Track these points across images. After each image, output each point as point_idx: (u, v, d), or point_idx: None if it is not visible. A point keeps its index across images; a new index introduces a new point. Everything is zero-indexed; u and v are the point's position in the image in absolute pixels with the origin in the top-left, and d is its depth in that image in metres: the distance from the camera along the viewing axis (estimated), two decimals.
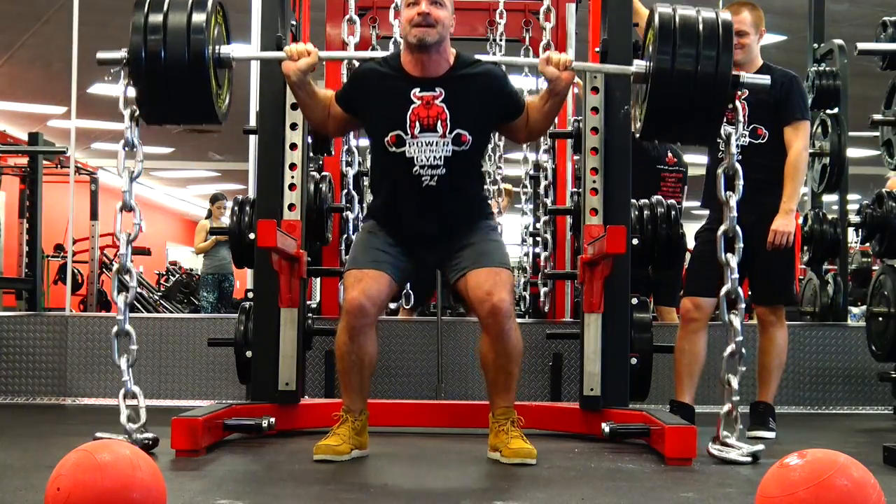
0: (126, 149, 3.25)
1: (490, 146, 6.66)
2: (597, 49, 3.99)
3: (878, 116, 4.49)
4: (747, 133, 3.92)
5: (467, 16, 5.97)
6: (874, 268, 5.71)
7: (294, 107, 3.81)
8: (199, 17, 3.16)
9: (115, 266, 3.23)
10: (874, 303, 4.73)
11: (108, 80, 3.27)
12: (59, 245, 10.59)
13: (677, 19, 3.12)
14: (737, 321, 3.22)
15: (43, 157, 6.78)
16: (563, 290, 5.56)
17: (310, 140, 4.06)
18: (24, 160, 7.22)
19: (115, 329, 3.18)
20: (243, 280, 6.25)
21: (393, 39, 4.82)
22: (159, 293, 11.56)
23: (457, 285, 3.28)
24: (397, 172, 3.28)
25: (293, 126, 3.80)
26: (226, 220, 8.00)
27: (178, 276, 12.31)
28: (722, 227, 3.27)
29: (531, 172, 6.49)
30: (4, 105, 12.46)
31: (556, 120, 5.63)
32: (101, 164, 11.99)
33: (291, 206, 3.78)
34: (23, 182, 7.12)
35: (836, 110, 5.47)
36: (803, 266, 5.75)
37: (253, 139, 5.26)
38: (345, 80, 4.53)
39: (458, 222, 3.31)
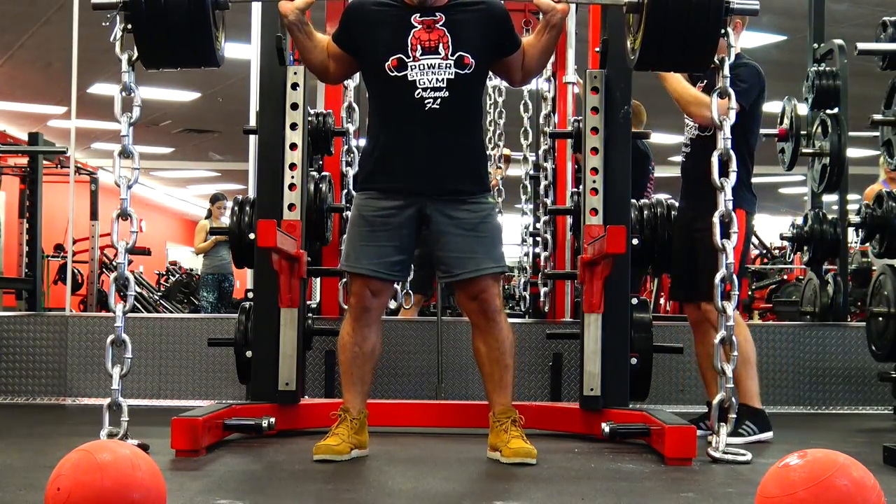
0: (123, 94, 3.20)
1: (491, 132, 6.63)
2: (597, 49, 4.00)
3: (878, 116, 4.48)
4: (696, 126, 3.92)
5: None
6: (874, 268, 5.70)
7: (294, 107, 3.82)
8: None
9: (113, 275, 3.22)
10: (874, 303, 4.73)
11: (105, 25, 3.19)
12: (59, 245, 10.59)
13: None
14: (730, 307, 3.22)
15: (43, 157, 6.78)
16: (563, 290, 5.56)
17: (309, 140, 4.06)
18: (24, 160, 7.21)
19: (110, 337, 3.17)
20: (243, 280, 6.26)
21: None
22: (159, 293, 11.56)
23: (447, 281, 3.31)
24: (398, 99, 3.22)
25: (293, 126, 3.80)
26: (226, 220, 7.99)
27: (178, 276, 12.32)
28: (717, 214, 3.28)
29: (531, 172, 6.49)
30: (4, 105, 12.46)
31: (557, 120, 5.67)
32: (101, 164, 11.99)
33: (291, 206, 3.78)
34: (23, 182, 7.12)
35: (836, 110, 5.46)
36: (803, 266, 5.75)
37: (253, 139, 5.26)
38: None
39: (460, 164, 3.23)
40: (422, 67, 3.18)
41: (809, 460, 1.84)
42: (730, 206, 3.27)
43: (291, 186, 3.79)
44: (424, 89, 3.18)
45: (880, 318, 4.64)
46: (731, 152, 3.28)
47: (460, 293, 3.29)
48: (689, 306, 4.05)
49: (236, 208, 4.21)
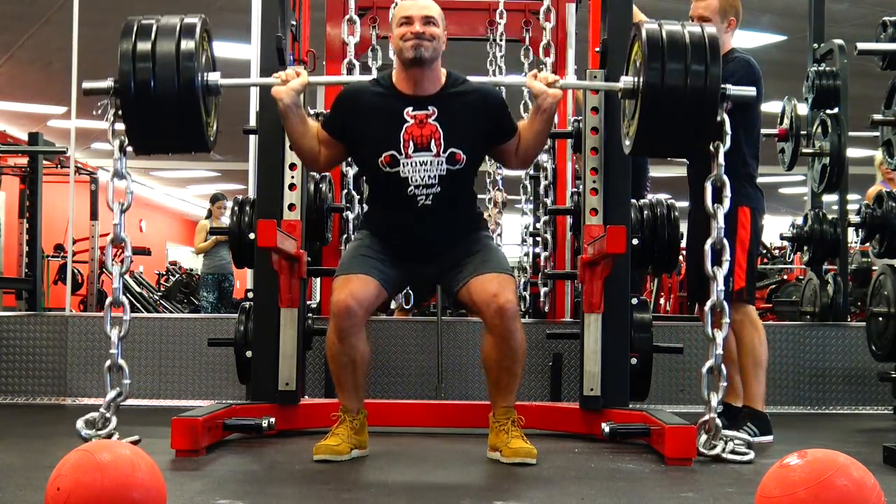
0: (116, 179, 3.23)
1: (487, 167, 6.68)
2: (597, 49, 4.00)
3: (878, 116, 4.48)
4: None
5: (467, 16, 5.97)
6: (874, 268, 5.70)
7: None
8: (188, 45, 3.09)
9: (108, 300, 3.21)
10: (874, 303, 4.73)
11: (97, 113, 3.21)
12: (59, 245, 10.59)
13: (664, 35, 3.11)
14: (719, 336, 3.22)
15: (43, 157, 6.78)
16: (563, 290, 5.56)
17: None
18: (24, 160, 7.21)
19: (107, 363, 3.17)
20: (243, 280, 6.25)
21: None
22: (159, 293, 11.57)
23: (459, 294, 3.27)
24: (391, 193, 3.26)
25: None
26: (226, 220, 7.99)
27: (178, 276, 12.32)
28: (709, 241, 3.26)
29: (531, 172, 6.49)
30: (4, 105, 12.47)
31: (557, 120, 5.66)
32: (101, 164, 11.99)
33: (291, 206, 3.78)
34: (23, 182, 7.12)
35: (836, 110, 5.46)
36: (803, 266, 5.74)
37: (253, 139, 5.26)
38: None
39: (454, 238, 3.30)
40: (414, 164, 3.20)
41: (809, 460, 1.84)
42: (721, 233, 3.24)
43: (291, 186, 3.79)
44: (417, 186, 3.22)
45: (880, 318, 4.64)
46: (725, 178, 3.26)
47: (475, 298, 3.19)
48: (703, 307, 4.04)
49: (236, 208, 4.21)
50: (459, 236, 3.31)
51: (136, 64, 3.08)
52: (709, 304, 3.24)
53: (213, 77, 3.24)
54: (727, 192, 3.26)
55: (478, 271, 3.21)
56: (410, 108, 3.21)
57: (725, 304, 3.24)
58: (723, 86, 3.14)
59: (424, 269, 3.36)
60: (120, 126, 3.17)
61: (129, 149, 3.24)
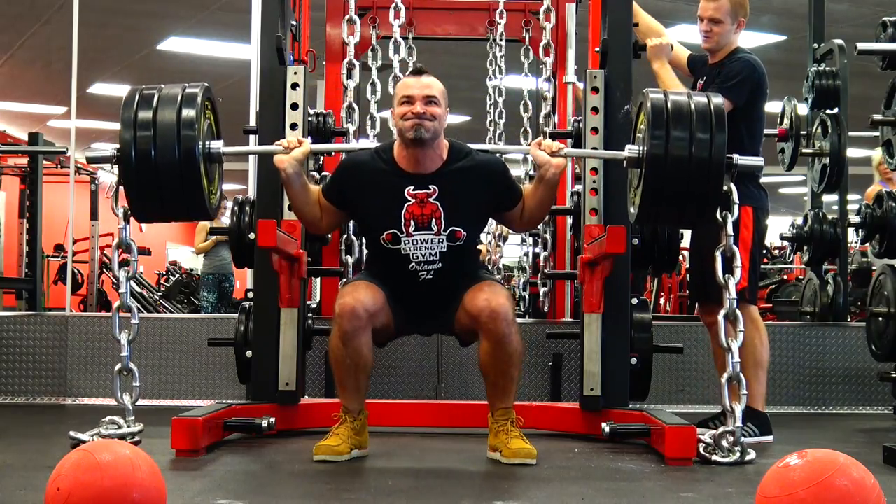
0: (119, 250, 3.24)
1: (491, 132, 6.65)
2: (597, 49, 4.00)
3: (878, 116, 4.48)
4: None
5: (467, 16, 5.96)
6: (874, 268, 5.70)
7: (294, 107, 3.81)
8: (188, 113, 3.10)
9: (116, 304, 3.21)
10: (874, 303, 4.73)
11: (107, 196, 3.25)
12: (59, 245, 10.59)
13: (669, 104, 3.09)
14: (731, 282, 3.21)
15: (43, 157, 6.78)
16: (563, 290, 5.56)
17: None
18: (24, 160, 7.22)
19: (117, 367, 3.18)
20: (243, 280, 6.25)
21: (393, 39, 4.81)
22: (159, 293, 11.56)
23: (456, 320, 3.28)
24: (393, 266, 3.28)
25: (293, 126, 3.80)
26: (226, 220, 7.99)
27: (178, 276, 12.32)
28: (721, 312, 3.24)
29: (531, 172, 6.48)
30: (4, 105, 12.48)
31: (557, 120, 5.66)
32: (101, 164, 11.98)
33: (291, 206, 3.77)
34: (23, 182, 7.12)
35: (836, 110, 5.46)
36: (803, 266, 5.74)
37: (253, 139, 5.26)
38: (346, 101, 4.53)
39: (455, 296, 3.29)
40: (415, 242, 3.23)
41: (809, 460, 1.84)
42: (734, 304, 3.22)
43: None
44: (418, 263, 3.25)
45: (880, 318, 4.64)
46: (735, 248, 3.24)
47: (469, 308, 3.19)
48: (703, 308, 4.05)
49: (236, 208, 4.21)
50: (461, 291, 3.30)
51: (136, 132, 3.08)
52: (722, 312, 3.23)
53: (216, 145, 3.24)
54: (738, 262, 3.24)
55: (469, 287, 3.24)
56: (412, 188, 3.23)
57: (739, 312, 3.23)
58: (729, 155, 3.11)
59: (425, 320, 3.41)
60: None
61: None
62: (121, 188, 3.15)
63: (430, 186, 3.23)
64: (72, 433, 3.12)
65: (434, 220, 3.22)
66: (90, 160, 3.20)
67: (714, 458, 3.13)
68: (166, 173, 3.08)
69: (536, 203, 3.34)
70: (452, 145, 3.31)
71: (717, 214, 3.23)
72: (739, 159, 3.16)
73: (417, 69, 3.30)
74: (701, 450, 3.16)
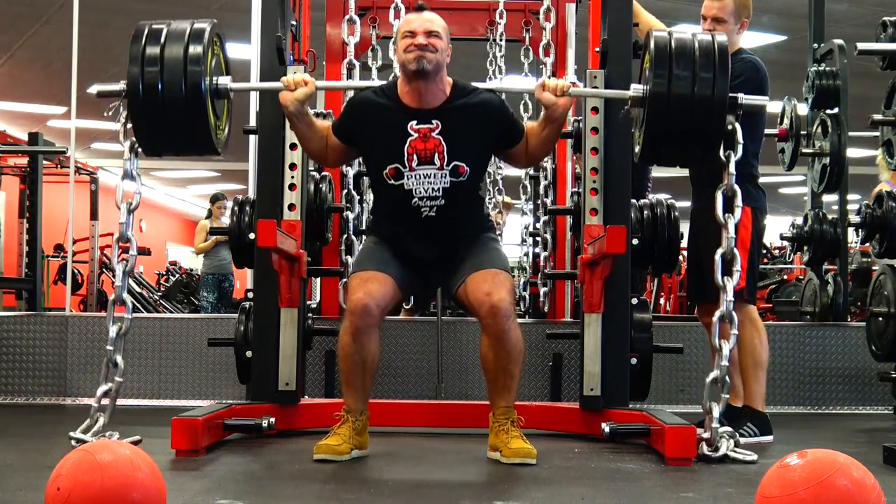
0: (125, 181, 3.26)
1: (491, 169, 6.67)
2: (597, 49, 4.00)
3: (878, 116, 4.48)
4: None
5: (467, 16, 5.97)
6: (874, 268, 5.70)
7: None
8: (195, 49, 3.16)
9: (112, 297, 3.22)
10: (874, 303, 4.73)
11: (107, 117, 3.28)
12: (59, 245, 10.59)
13: (673, 43, 3.11)
14: (726, 347, 3.21)
15: (43, 157, 6.78)
16: (563, 290, 5.56)
17: None
18: (24, 160, 7.21)
19: (105, 359, 3.18)
20: (243, 280, 6.25)
21: (393, 39, 4.80)
22: (159, 293, 11.57)
23: (457, 293, 3.29)
24: (396, 204, 3.29)
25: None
26: (226, 220, 7.99)
27: (178, 276, 12.32)
28: (719, 251, 3.26)
29: (531, 172, 6.49)
30: (4, 105, 12.47)
31: None
32: (101, 164, 11.99)
33: (291, 206, 3.78)
34: (23, 182, 7.11)
35: (836, 110, 5.46)
36: (803, 266, 5.74)
37: (253, 139, 5.26)
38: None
39: (459, 244, 3.33)
40: (418, 177, 3.24)
41: (809, 460, 1.84)
42: (732, 243, 3.23)
43: (291, 186, 3.79)
44: (421, 198, 3.25)
45: (880, 318, 4.65)
46: (736, 187, 3.24)
47: (470, 298, 3.22)
48: (701, 308, 4.05)
49: (236, 208, 4.21)
50: (465, 241, 3.34)
51: (144, 68, 3.14)
52: (717, 314, 3.23)
53: (223, 81, 3.30)
54: (738, 201, 3.26)
55: (474, 269, 3.23)
56: (414, 122, 3.24)
57: (735, 314, 3.23)
58: (734, 94, 3.12)
59: (430, 272, 3.39)
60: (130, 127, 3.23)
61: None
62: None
63: (433, 121, 3.24)
64: (71, 433, 3.13)
65: (437, 154, 3.23)
66: (100, 94, 3.21)
67: (717, 454, 3.14)
68: (173, 108, 3.14)
69: (541, 141, 3.35)
70: (456, 83, 3.33)
71: (721, 154, 3.24)
72: (744, 98, 3.17)
73: (419, 6, 3.32)
74: (705, 449, 3.16)
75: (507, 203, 7.17)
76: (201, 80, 3.16)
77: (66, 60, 6.53)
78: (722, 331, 3.23)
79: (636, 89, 3.23)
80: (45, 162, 6.94)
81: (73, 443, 3.06)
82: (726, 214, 3.25)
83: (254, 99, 5.33)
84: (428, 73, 3.20)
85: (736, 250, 3.28)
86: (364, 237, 3.52)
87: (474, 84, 3.38)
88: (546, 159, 5.62)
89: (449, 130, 3.24)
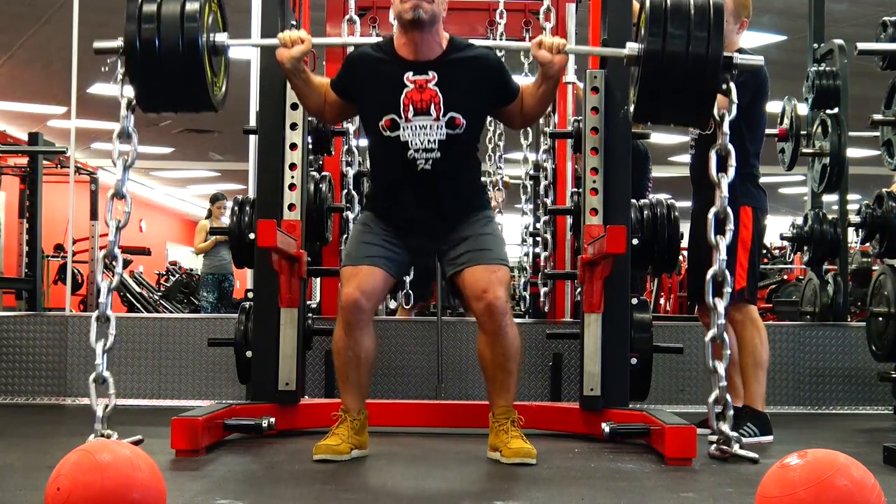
0: (121, 139, 3.24)
1: (491, 147, 6.66)
2: None
3: (878, 116, 4.48)
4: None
5: (467, 16, 5.96)
6: (874, 268, 5.70)
7: (294, 107, 3.81)
8: (192, 6, 3.17)
9: (95, 314, 3.12)
10: (874, 303, 4.73)
11: (105, 71, 3.29)
12: (59, 245, 10.58)
13: (668, 2, 3.12)
14: (721, 305, 3.21)
15: (43, 157, 6.78)
16: (563, 290, 5.56)
17: (310, 140, 4.05)
18: (24, 160, 7.21)
19: (92, 376, 3.08)
20: (243, 280, 6.25)
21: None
22: (159, 293, 11.56)
23: (454, 279, 3.30)
24: (392, 157, 3.27)
25: (293, 126, 3.80)
26: (226, 220, 7.99)
27: (178, 276, 12.31)
28: (713, 209, 3.26)
29: (531, 172, 6.49)
30: (4, 105, 12.46)
31: (557, 120, 5.67)
32: (101, 164, 11.98)
33: (291, 206, 3.78)
34: (23, 182, 7.11)
35: (836, 110, 5.46)
36: (803, 266, 5.74)
37: (253, 139, 5.26)
38: None
39: (455, 209, 3.31)
40: (414, 128, 3.22)
41: (809, 460, 1.84)
42: (725, 202, 3.25)
43: (291, 186, 3.79)
44: (416, 150, 3.23)
45: (880, 318, 4.65)
46: (730, 147, 3.26)
47: (466, 290, 3.24)
48: (702, 308, 4.05)
49: (236, 208, 4.21)
50: (461, 209, 3.31)
51: (141, 24, 3.14)
52: (709, 335, 3.23)
53: (220, 37, 3.31)
54: (732, 160, 3.25)
55: (472, 261, 3.22)
56: (410, 73, 3.23)
57: (726, 336, 3.22)
58: (728, 54, 3.14)
59: (426, 243, 3.36)
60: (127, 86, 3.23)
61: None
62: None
63: (430, 72, 3.23)
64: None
65: (433, 105, 3.21)
66: (97, 51, 3.21)
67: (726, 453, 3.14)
68: (170, 64, 3.15)
69: (537, 101, 3.34)
70: (453, 38, 3.32)
71: (714, 113, 3.24)
72: (738, 58, 3.18)
73: None
74: (712, 449, 3.16)
75: (507, 182, 7.13)
76: (198, 37, 3.16)
77: (66, 60, 6.52)
78: (715, 351, 3.23)
79: (631, 48, 3.22)
80: (45, 162, 6.94)
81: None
82: (715, 299, 3.23)
83: (254, 99, 5.33)
84: (424, 22, 3.17)
85: (731, 147, 3.26)
86: (358, 217, 3.48)
87: (471, 41, 3.38)
88: (546, 159, 5.63)
89: (445, 82, 3.22)
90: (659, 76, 3.13)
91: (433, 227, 3.31)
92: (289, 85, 3.82)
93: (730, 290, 3.26)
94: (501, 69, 3.36)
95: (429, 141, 3.22)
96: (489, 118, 3.62)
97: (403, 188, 3.29)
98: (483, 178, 3.64)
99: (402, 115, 3.22)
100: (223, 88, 3.45)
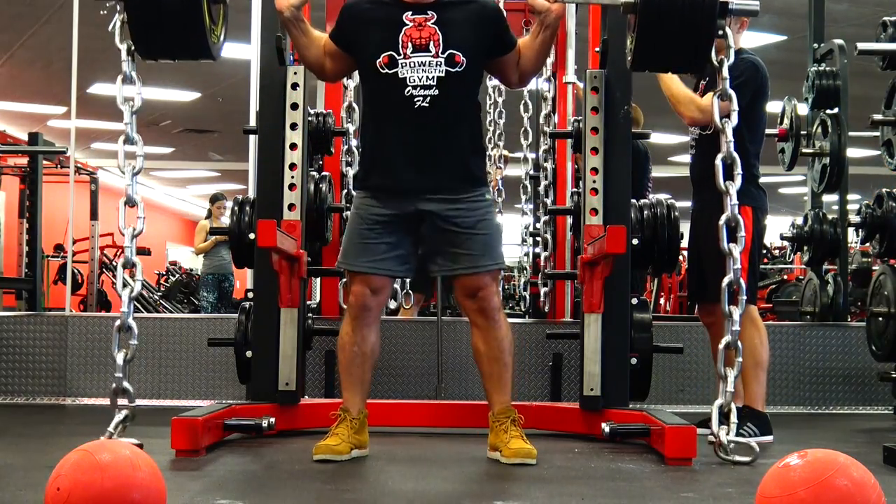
0: (125, 85, 3.24)
1: (489, 121, 6.60)
2: (597, 49, 4.00)
3: (878, 116, 4.48)
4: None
5: None
6: (874, 268, 5.70)
7: (294, 107, 3.81)
8: None
9: (117, 324, 3.08)
10: (874, 303, 4.73)
11: (104, 13, 3.30)
12: (59, 245, 10.59)
13: None
14: (736, 313, 3.21)
15: (43, 157, 6.77)
16: (563, 290, 5.56)
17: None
18: (24, 160, 7.21)
19: (112, 386, 3.11)
20: (243, 280, 6.26)
21: None
22: (159, 293, 11.57)
23: (446, 278, 3.33)
24: (388, 97, 3.22)
25: (293, 126, 3.80)
26: (226, 220, 7.99)
27: (178, 276, 12.32)
28: (723, 217, 3.26)
29: (531, 172, 6.49)
30: (4, 105, 12.47)
31: (557, 120, 5.67)
32: (101, 164, 11.99)
33: (291, 206, 3.78)
34: (23, 182, 7.11)
35: (836, 110, 5.46)
36: (803, 266, 5.74)
37: (253, 139, 5.26)
38: None
39: (449, 164, 3.23)
40: (412, 65, 3.18)
41: (809, 460, 1.84)
42: (735, 210, 3.25)
43: (291, 186, 3.79)
44: (415, 87, 3.18)
45: (880, 318, 4.65)
46: (735, 154, 3.26)
47: (459, 291, 3.29)
48: (702, 307, 4.05)
49: (236, 208, 4.21)
50: (455, 165, 3.23)
51: None
52: (723, 342, 3.22)
53: None
54: (738, 168, 3.24)
55: (467, 269, 3.21)
56: (409, 13, 3.22)
57: (740, 344, 3.22)
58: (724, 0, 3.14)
59: (423, 205, 3.21)
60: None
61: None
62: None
63: (429, 12, 3.22)
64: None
65: (432, 42, 3.19)
66: None
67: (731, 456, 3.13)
68: (168, 9, 3.14)
69: (534, 52, 3.32)
70: None
71: (713, 58, 3.25)
72: (735, 4, 3.18)
73: None
74: (717, 450, 3.16)
75: (506, 157, 7.11)
76: None
77: (66, 60, 6.53)
78: (728, 358, 3.23)
79: None
80: (45, 162, 6.94)
81: None
82: (730, 307, 3.22)
83: (254, 99, 5.33)
84: None
85: (736, 155, 3.25)
86: (354, 198, 3.40)
87: None
88: (546, 159, 5.63)
89: (444, 21, 3.20)
90: (656, 22, 3.12)
91: (429, 185, 3.20)
92: (289, 85, 3.83)
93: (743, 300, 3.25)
94: (500, 17, 3.34)
95: (427, 78, 3.18)
96: (486, 73, 3.54)
97: (398, 128, 3.22)
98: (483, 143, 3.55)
99: (401, 52, 3.18)
100: (221, 38, 3.42)
